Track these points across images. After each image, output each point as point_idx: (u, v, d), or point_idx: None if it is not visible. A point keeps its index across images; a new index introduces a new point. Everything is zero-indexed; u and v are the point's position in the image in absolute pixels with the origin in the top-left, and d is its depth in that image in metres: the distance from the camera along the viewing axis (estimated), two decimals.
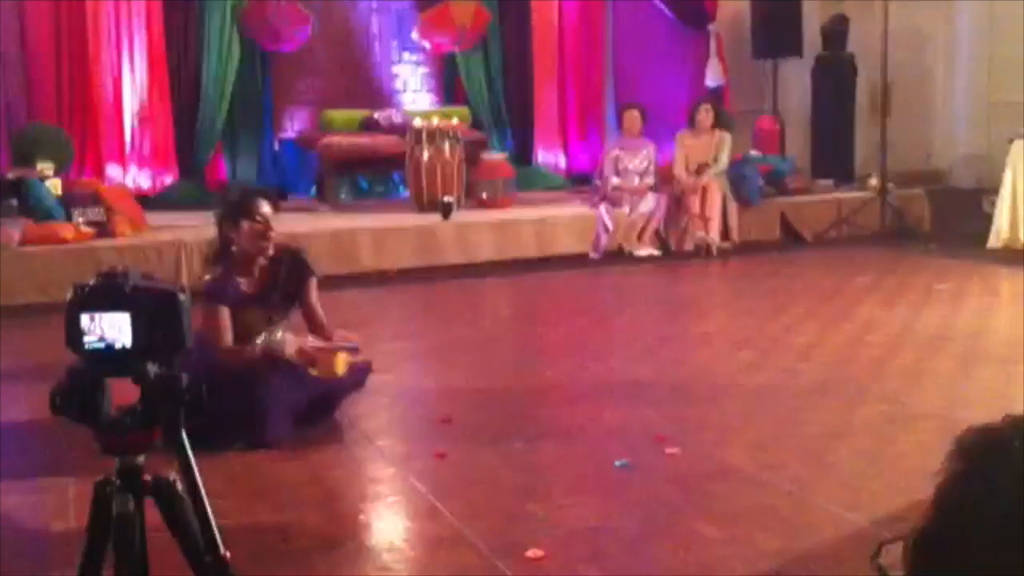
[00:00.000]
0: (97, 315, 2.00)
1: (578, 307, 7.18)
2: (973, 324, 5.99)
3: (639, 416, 4.44)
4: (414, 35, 10.10)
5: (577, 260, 8.29)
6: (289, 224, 8.07)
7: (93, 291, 2.02)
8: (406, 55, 10.43)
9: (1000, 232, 8.16)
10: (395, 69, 10.43)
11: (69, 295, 2.05)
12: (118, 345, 2.00)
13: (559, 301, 7.43)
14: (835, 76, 10.46)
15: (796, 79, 10.81)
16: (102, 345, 2.00)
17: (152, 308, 2.02)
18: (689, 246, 8.65)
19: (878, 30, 9.24)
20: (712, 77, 10.61)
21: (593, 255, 8.46)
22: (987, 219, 8.37)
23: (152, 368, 2.00)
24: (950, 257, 8.14)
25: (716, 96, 10.23)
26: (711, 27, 10.58)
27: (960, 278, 7.33)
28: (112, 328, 2.01)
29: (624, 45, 10.80)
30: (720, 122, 8.96)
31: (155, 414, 2.02)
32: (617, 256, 8.46)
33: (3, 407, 4.59)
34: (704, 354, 5.58)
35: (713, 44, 10.59)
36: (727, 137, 8.91)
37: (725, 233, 8.74)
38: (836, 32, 10.51)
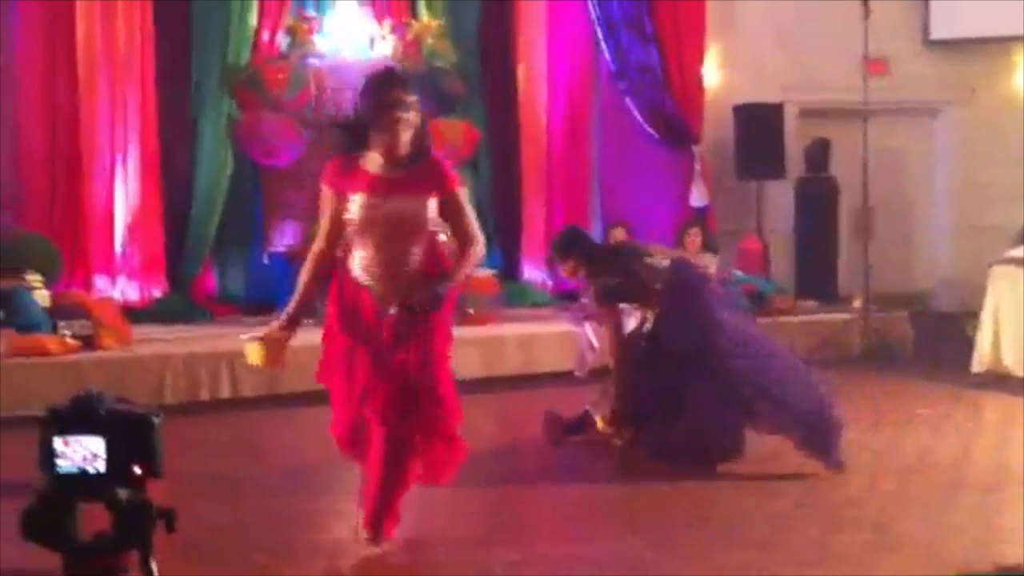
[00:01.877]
0: (71, 439, 2.01)
1: None
2: (957, 450, 5.97)
3: (623, 545, 4.39)
4: None
5: (562, 378, 8.27)
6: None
7: (67, 414, 2.04)
8: None
9: (983, 357, 8.19)
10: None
11: (43, 417, 2.06)
12: (91, 470, 2.01)
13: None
14: (818, 198, 10.64)
15: (780, 200, 10.98)
16: (75, 469, 2.01)
17: (126, 433, 2.03)
18: None
19: (859, 152, 9.42)
20: (697, 197, 10.76)
21: (578, 373, 8.44)
22: (970, 343, 8.41)
23: (123, 493, 2.00)
24: (933, 381, 8.16)
25: (701, 216, 10.38)
26: (695, 148, 10.77)
27: (943, 403, 7.33)
28: (86, 452, 2.01)
29: (610, 164, 10.99)
30: (707, 245, 9.11)
31: (125, 539, 2.02)
32: (603, 374, 8.44)
33: None
34: (687, 475, 5.54)
35: (698, 165, 10.76)
36: (713, 259, 9.03)
37: None
38: (818, 155, 10.73)
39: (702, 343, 5.57)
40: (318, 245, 4.15)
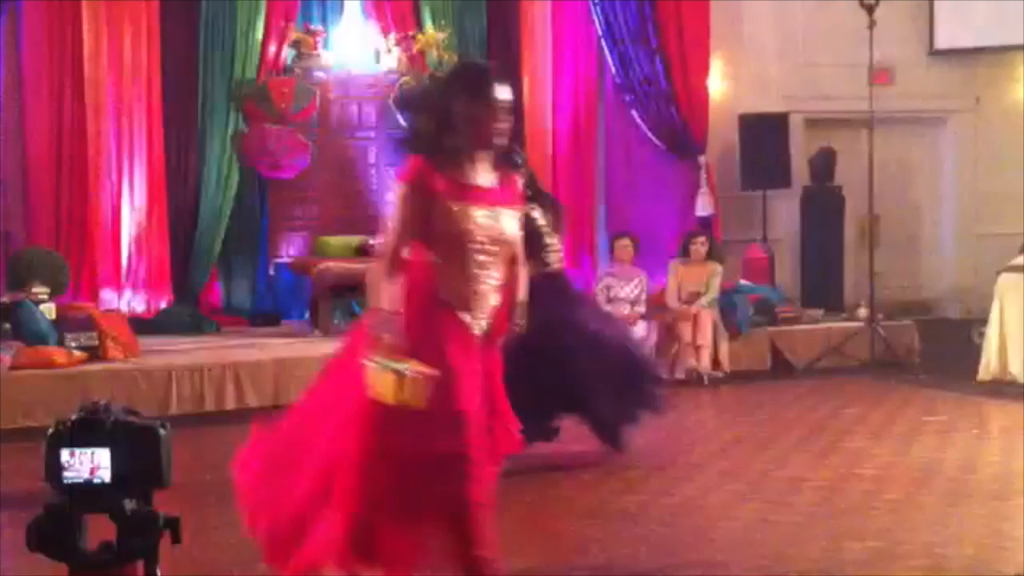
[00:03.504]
0: (77, 451, 2.02)
1: (567, 435, 7.14)
2: (963, 458, 5.96)
3: (624, 552, 4.40)
4: None
5: None
6: (282, 349, 8.15)
7: (74, 426, 2.05)
8: None
9: (989, 365, 8.18)
10: (391, 197, 10.54)
11: (51, 430, 2.07)
12: (97, 481, 2.02)
13: None
14: (823, 207, 10.64)
15: (785, 210, 10.98)
16: (81, 480, 2.02)
17: (132, 444, 2.04)
18: (680, 374, 8.68)
19: (864, 162, 9.43)
20: (702, 207, 10.76)
21: None
22: (976, 350, 8.41)
23: (129, 504, 2.01)
24: (939, 389, 8.15)
25: (706, 226, 10.38)
26: (701, 158, 10.78)
27: (950, 411, 7.32)
28: (92, 464, 2.02)
29: (616, 174, 11.00)
30: (713, 254, 9.11)
31: (131, 550, 2.03)
32: None
33: None
34: (692, 486, 5.54)
35: (703, 175, 10.77)
36: (719, 268, 9.04)
37: (715, 362, 8.78)
38: (823, 164, 10.73)
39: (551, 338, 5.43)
40: (400, 253, 3.39)
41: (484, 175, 3.43)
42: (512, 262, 3.55)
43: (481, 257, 3.38)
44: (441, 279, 3.39)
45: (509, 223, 3.46)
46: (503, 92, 3.37)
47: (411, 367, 3.08)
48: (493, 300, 3.44)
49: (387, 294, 3.30)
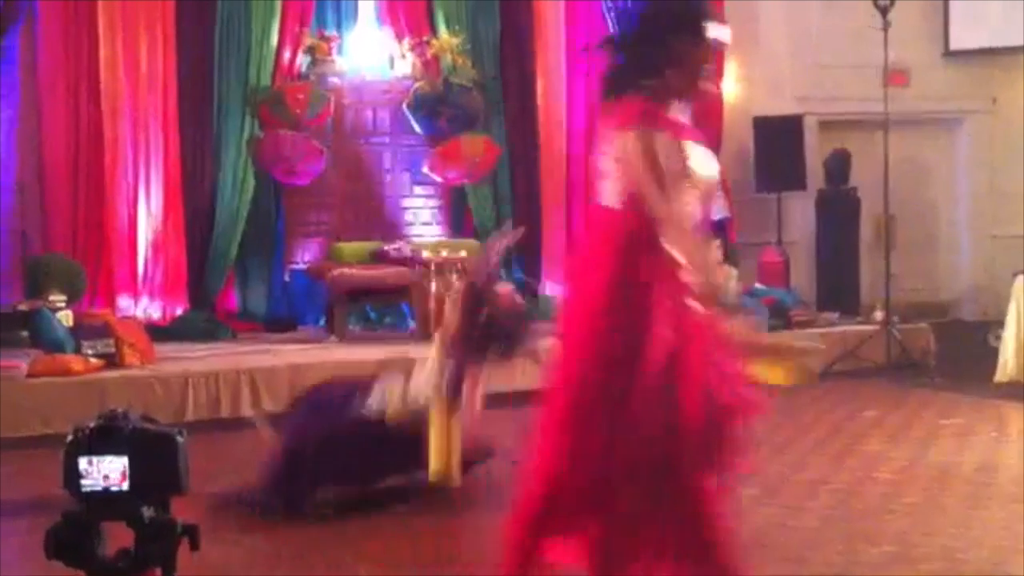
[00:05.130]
0: (95, 459, 2.03)
1: None
2: (980, 461, 5.94)
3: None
4: (425, 169, 10.32)
5: None
6: (297, 355, 8.16)
7: (92, 434, 2.05)
8: (417, 188, 10.62)
9: (1006, 367, 8.15)
10: (406, 202, 10.61)
11: (69, 437, 2.08)
12: (115, 488, 2.03)
13: None
14: (838, 209, 10.62)
15: (800, 212, 10.96)
16: (99, 488, 2.03)
17: (150, 452, 2.05)
18: None
19: (880, 163, 9.40)
20: (717, 210, 10.73)
21: None
22: (993, 353, 8.37)
23: (147, 512, 2.02)
24: (956, 391, 8.11)
25: (721, 228, 10.36)
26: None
27: (967, 413, 7.29)
28: (110, 471, 2.03)
29: None
30: (727, 258, 9.09)
31: (149, 557, 2.03)
32: None
33: (4, 542, 4.56)
34: None
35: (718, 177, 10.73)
36: (734, 272, 9.01)
37: None
38: (839, 166, 10.71)
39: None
40: (672, 206, 2.88)
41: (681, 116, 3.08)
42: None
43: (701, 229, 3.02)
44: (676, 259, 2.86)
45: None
46: (721, 33, 3.05)
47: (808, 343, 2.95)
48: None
49: (698, 261, 2.85)
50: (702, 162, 3.00)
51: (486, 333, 4.67)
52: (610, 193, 3.00)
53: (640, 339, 2.78)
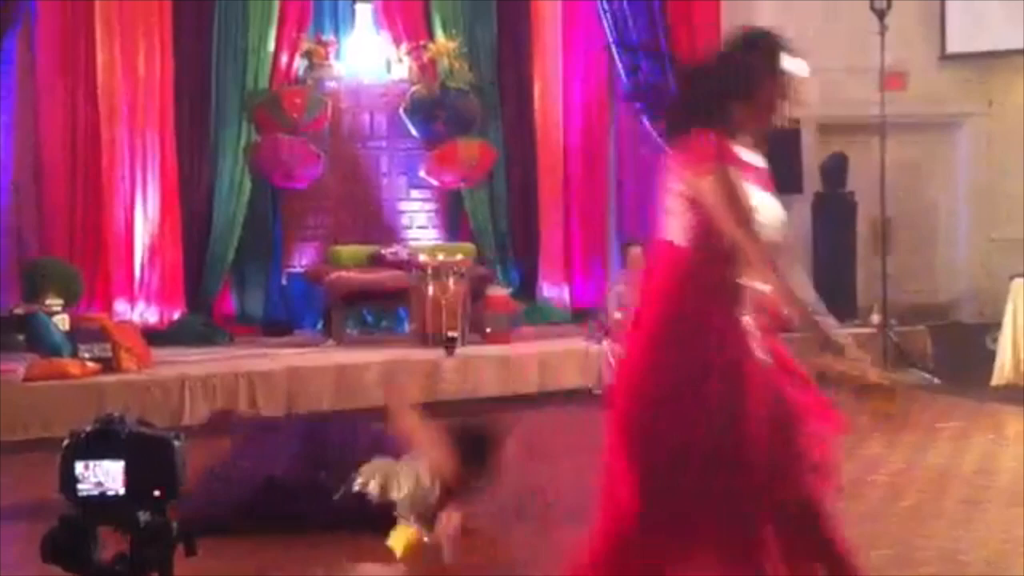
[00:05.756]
0: (92, 463, 2.02)
1: (580, 443, 7.13)
2: (978, 464, 5.94)
3: None
4: (422, 172, 10.32)
5: (580, 395, 8.27)
6: (295, 359, 8.16)
7: (89, 438, 2.05)
8: (414, 192, 10.62)
9: (1003, 369, 8.15)
10: (403, 206, 10.61)
11: (65, 441, 2.07)
12: (111, 493, 2.02)
13: (563, 437, 7.38)
14: (835, 212, 10.61)
15: (796, 215, 10.93)
16: (96, 492, 2.02)
17: (147, 456, 2.04)
18: None
19: (877, 166, 9.40)
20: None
21: (597, 391, 8.44)
22: (991, 355, 8.37)
23: (143, 516, 2.01)
24: (953, 394, 8.11)
25: None
26: None
27: (964, 416, 7.29)
28: (106, 476, 2.03)
29: (627, 182, 10.99)
30: None
31: (145, 562, 2.03)
32: None
33: (1, 546, 4.55)
34: None
35: None
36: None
37: None
38: (835, 170, 10.70)
39: None
40: (759, 241, 2.87)
41: (749, 154, 2.98)
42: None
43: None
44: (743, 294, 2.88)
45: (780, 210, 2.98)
46: (798, 67, 3.01)
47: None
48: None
49: (786, 291, 2.87)
50: (767, 205, 2.96)
51: (484, 482, 4.67)
52: (675, 229, 2.98)
53: (702, 374, 2.80)
